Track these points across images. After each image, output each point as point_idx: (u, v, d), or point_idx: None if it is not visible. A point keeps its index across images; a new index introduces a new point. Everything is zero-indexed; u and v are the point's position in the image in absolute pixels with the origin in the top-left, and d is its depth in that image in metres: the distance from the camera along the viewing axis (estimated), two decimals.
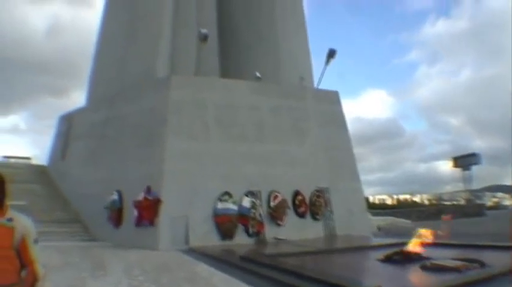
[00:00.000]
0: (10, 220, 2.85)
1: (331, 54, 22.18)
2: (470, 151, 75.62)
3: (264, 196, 18.84)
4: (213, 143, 18.86)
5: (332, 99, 22.75)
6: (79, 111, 24.89)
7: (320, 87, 23.25)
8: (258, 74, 21.52)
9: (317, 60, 24.40)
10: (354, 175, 22.09)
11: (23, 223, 2.89)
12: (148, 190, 17.60)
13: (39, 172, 26.63)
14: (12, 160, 36.80)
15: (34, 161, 36.84)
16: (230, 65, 24.48)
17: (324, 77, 23.33)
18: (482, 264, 8.60)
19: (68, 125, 24.81)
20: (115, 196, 19.01)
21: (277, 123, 20.49)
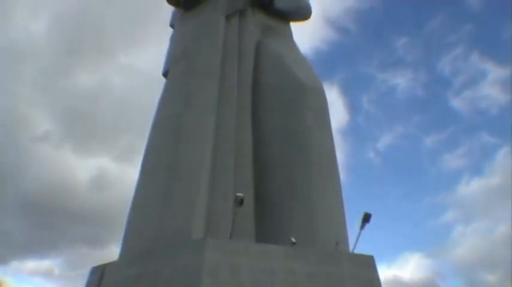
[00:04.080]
0: None
1: (366, 218, 22.25)
2: None
3: None
4: None
5: (367, 263, 22.44)
6: (112, 264, 24.90)
7: (355, 250, 23.08)
8: (293, 240, 21.58)
9: (352, 223, 24.49)
10: None
11: None
12: None
13: None
14: None
15: None
16: (266, 227, 24.62)
17: (360, 240, 23.36)
18: None
19: (100, 277, 24.71)
20: None
21: None
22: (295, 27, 34.01)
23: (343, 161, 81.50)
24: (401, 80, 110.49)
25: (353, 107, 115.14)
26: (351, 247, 24.09)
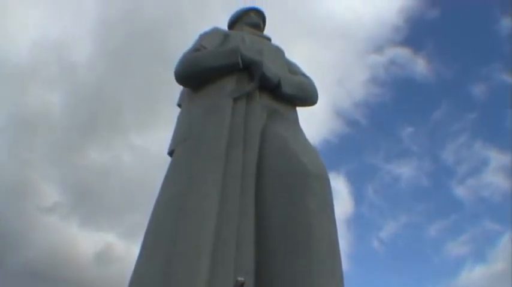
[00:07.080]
0: None
1: None
2: None
3: None
4: None
5: None
6: None
7: None
8: None
9: None
10: None
11: None
12: None
13: None
14: None
15: None
16: None
17: None
18: None
19: None
20: None
21: None
22: (305, 119, 34.21)
23: (346, 250, 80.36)
24: (406, 170, 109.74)
25: (358, 196, 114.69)
26: None
